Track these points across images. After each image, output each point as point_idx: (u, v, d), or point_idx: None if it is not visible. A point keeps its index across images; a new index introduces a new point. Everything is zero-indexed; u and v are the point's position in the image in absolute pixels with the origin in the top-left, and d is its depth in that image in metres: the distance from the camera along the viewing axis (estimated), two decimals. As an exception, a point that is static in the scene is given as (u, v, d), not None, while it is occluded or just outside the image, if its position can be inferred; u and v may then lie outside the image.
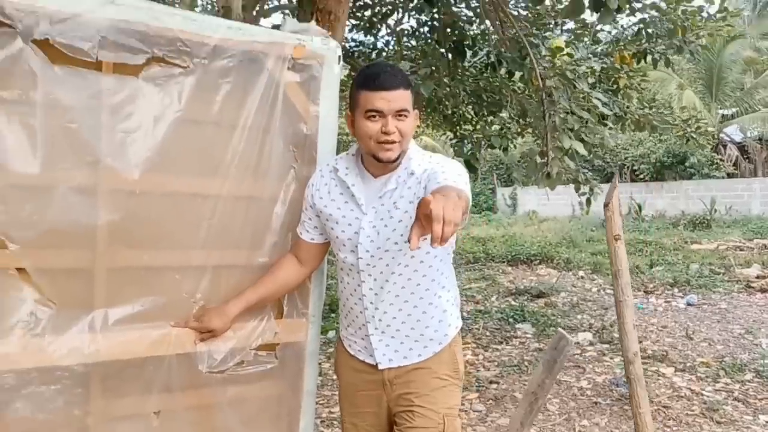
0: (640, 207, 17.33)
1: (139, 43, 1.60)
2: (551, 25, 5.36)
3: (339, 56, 1.93)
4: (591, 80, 5.06)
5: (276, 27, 1.96)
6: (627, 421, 4.28)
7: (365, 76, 1.77)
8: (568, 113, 3.77)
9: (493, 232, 15.03)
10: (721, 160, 18.45)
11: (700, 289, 8.44)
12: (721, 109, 19.92)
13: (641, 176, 19.15)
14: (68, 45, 1.51)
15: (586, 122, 4.44)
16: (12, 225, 1.47)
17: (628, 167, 19.68)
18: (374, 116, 1.73)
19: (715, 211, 15.78)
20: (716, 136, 19.09)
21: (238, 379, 1.84)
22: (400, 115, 1.74)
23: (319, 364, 5.64)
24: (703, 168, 17.60)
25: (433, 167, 1.76)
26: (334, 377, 2.39)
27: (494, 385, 5.08)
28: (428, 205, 1.29)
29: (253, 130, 1.81)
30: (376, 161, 1.78)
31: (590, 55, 5.26)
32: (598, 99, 3.77)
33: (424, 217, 1.32)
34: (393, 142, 1.73)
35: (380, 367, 1.86)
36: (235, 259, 1.86)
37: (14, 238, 1.47)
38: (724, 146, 19.36)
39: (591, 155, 18.39)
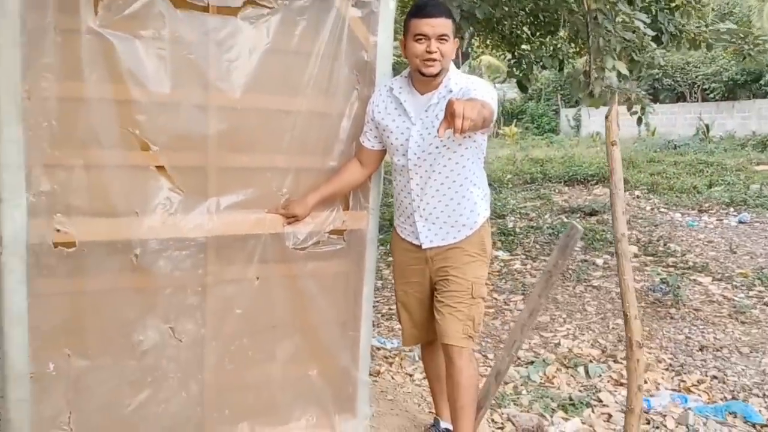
0: (707, 128, 16.87)
1: (237, -10, 2.05)
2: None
3: (393, -6, 2.33)
4: (643, 2, 5.16)
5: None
6: (658, 321, 4.70)
7: (416, 7, 2.23)
8: (612, 34, 4.00)
9: (554, 153, 15.08)
10: (801, 77, 17.54)
11: (756, 208, 8.49)
12: (806, 22, 18.71)
13: (712, 95, 18.49)
14: (186, -7, 1.98)
15: (635, 43, 4.61)
16: (153, 132, 1.99)
17: (698, 86, 18.99)
18: (421, 39, 2.17)
19: (788, 131, 15.25)
20: (798, 52, 18.08)
21: (316, 255, 2.37)
22: (442, 39, 2.17)
23: (379, 270, 6.28)
24: (779, 86, 16.85)
25: (467, 86, 2.20)
26: (392, 281, 2.96)
27: (539, 290, 5.56)
28: (452, 105, 1.74)
29: (324, 57, 2.26)
30: (422, 77, 2.21)
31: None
32: (641, 20, 3.97)
33: (449, 115, 1.79)
34: (435, 60, 2.17)
35: (424, 246, 2.37)
36: (311, 163, 2.34)
37: (155, 141, 2.00)
38: (807, 63, 18.30)
39: (642, 74, 17.79)
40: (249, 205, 2.20)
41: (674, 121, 18.70)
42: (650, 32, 4.19)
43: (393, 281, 2.67)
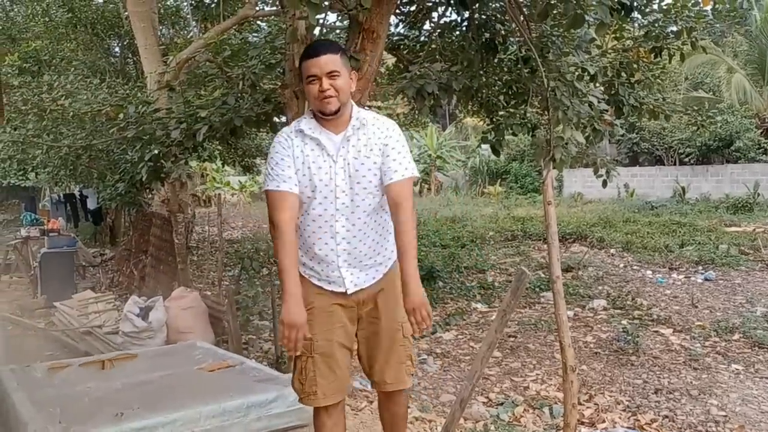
0: (684, 190, 17.60)
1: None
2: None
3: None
4: (607, 76, 5.78)
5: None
6: (619, 367, 5.08)
7: (304, 51, 2.27)
8: (568, 108, 4.53)
9: (535, 212, 15.65)
10: (770, 143, 18.42)
11: (722, 266, 8.94)
12: (773, 92, 19.77)
13: (687, 159, 19.32)
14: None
15: (592, 116, 5.16)
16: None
17: (675, 150, 19.83)
18: (313, 80, 2.17)
19: (758, 195, 15.95)
20: (767, 120, 19.04)
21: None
22: (332, 75, 2.16)
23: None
24: (749, 152, 17.66)
25: (380, 127, 2.25)
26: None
27: (512, 339, 5.94)
28: (416, 314, 2.09)
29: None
30: (325, 117, 2.20)
31: (596, 56, 5.95)
32: (595, 96, 4.52)
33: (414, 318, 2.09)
34: (330, 97, 2.16)
35: (349, 292, 2.30)
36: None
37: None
38: (775, 130, 19.25)
39: (622, 139, 18.65)
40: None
41: (652, 183, 19.46)
42: (605, 106, 4.73)
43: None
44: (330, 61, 2.16)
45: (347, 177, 2.22)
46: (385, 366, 2.36)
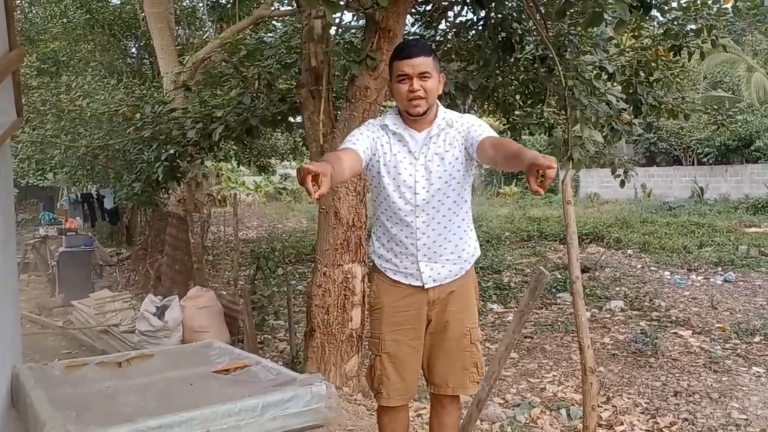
0: (702, 190, 17.39)
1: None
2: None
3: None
4: (625, 75, 5.71)
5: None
6: (638, 369, 5.02)
7: (396, 49, 2.32)
8: (588, 107, 4.49)
9: (551, 212, 15.55)
10: (792, 143, 18.11)
11: (742, 268, 8.80)
12: (794, 91, 19.44)
13: (706, 159, 19.08)
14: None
15: (611, 115, 5.10)
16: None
17: (693, 150, 19.60)
18: (403, 79, 2.20)
19: (779, 195, 15.72)
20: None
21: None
22: (423, 77, 2.19)
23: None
24: (770, 152, 17.41)
25: (464, 121, 2.27)
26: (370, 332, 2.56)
27: (528, 340, 5.89)
28: (548, 166, 1.71)
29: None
30: (411, 117, 2.24)
31: (614, 55, 5.88)
32: (614, 95, 4.47)
33: (540, 173, 1.72)
34: (420, 98, 2.19)
35: (427, 286, 2.31)
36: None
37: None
38: (797, 130, 18.92)
39: (639, 138, 18.36)
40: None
41: (670, 183, 19.24)
42: (623, 105, 4.68)
43: (373, 332, 2.43)
44: (423, 62, 2.19)
45: (428, 174, 2.25)
46: (448, 370, 2.37)
